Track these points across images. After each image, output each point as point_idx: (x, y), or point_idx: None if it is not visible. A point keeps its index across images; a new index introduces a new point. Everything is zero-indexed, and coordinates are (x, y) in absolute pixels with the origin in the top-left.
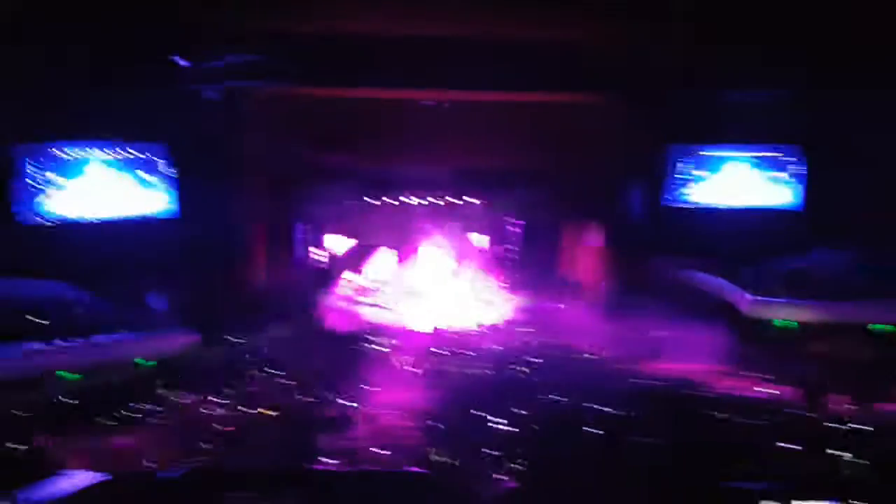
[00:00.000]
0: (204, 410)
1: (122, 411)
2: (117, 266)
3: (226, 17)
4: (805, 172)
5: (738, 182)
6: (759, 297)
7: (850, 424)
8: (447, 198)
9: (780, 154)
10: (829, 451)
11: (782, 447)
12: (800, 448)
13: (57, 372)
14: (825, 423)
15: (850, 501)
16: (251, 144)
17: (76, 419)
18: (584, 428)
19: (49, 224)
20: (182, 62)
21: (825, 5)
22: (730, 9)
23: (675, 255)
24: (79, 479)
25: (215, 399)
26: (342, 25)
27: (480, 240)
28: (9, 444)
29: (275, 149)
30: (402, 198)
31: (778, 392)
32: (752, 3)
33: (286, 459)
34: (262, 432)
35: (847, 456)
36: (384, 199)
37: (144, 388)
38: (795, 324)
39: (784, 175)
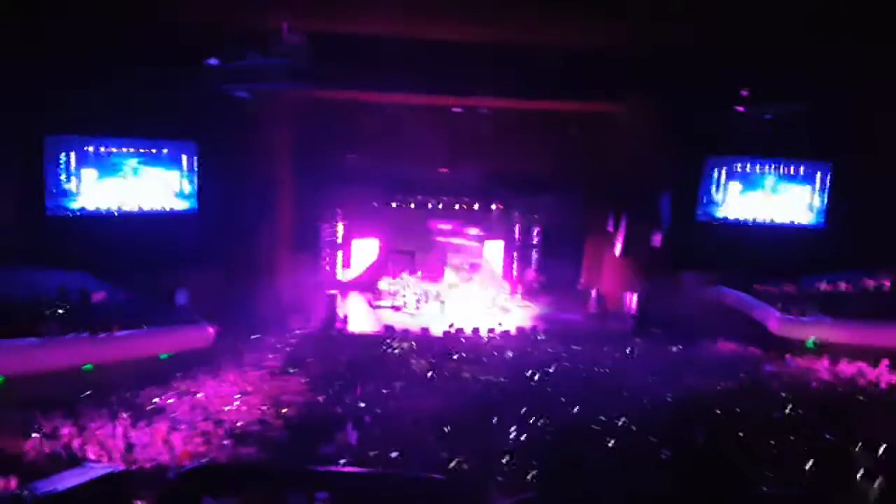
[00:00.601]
0: (220, 406)
1: (141, 404)
2: (141, 259)
3: (255, 20)
4: (836, 189)
5: (768, 197)
6: (788, 316)
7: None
8: (468, 203)
9: (812, 170)
10: (857, 474)
11: (807, 468)
12: (826, 470)
13: (83, 366)
14: (853, 446)
15: None
16: (277, 145)
17: (97, 411)
18: (598, 438)
19: (76, 216)
20: (212, 61)
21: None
22: (759, 17)
23: (703, 269)
24: (93, 470)
25: (232, 395)
26: (364, 27)
27: (499, 246)
28: (33, 436)
29: (301, 150)
30: (423, 202)
31: (803, 412)
32: (782, 11)
33: (300, 458)
34: (277, 430)
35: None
36: (406, 202)
37: (164, 381)
38: (812, 344)
39: (815, 192)
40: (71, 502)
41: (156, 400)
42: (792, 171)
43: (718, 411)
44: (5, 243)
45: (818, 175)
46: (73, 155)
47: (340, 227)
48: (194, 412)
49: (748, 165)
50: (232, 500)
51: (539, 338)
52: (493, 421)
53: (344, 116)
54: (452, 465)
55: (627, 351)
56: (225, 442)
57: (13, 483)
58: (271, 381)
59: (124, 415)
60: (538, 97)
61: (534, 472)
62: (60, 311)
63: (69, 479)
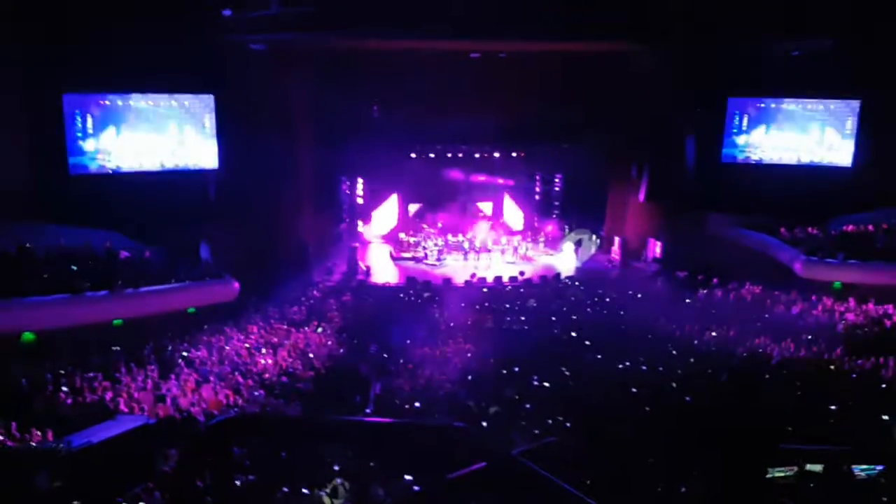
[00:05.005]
0: (247, 358)
1: (171, 357)
2: (164, 215)
3: None
4: (864, 127)
5: (794, 137)
6: (814, 258)
7: None
8: (489, 152)
9: (839, 108)
10: (882, 416)
11: (833, 410)
12: (852, 413)
13: (112, 321)
14: (880, 388)
15: None
16: (296, 97)
17: (127, 365)
18: (622, 385)
19: (99, 174)
20: (227, 12)
21: None
22: None
23: (727, 211)
24: (126, 422)
25: (261, 348)
26: None
27: (522, 194)
28: (64, 390)
29: (320, 102)
30: (443, 152)
31: (830, 356)
32: None
33: (326, 409)
34: (304, 381)
35: None
36: (426, 153)
37: (192, 335)
38: (839, 284)
39: (842, 130)
40: (105, 454)
41: (185, 353)
42: (819, 110)
43: (742, 356)
44: (31, 202)
45: (846, 113)
46: (92, 113)
47: (363, 181)
48: (223, 365)
49: (773, 105)
50: (261, 450)
51: (562, 285)
52: (516, 369)
53: (362, 68)
54: (476, 412)
55: (639, 296)
56: (256, 393)
57: (49, 436)
58: (296, 333)
59: (154, 368)
60: (559, 38)
61: (558, 418)
62: (90, 269)
63: (103, 432)
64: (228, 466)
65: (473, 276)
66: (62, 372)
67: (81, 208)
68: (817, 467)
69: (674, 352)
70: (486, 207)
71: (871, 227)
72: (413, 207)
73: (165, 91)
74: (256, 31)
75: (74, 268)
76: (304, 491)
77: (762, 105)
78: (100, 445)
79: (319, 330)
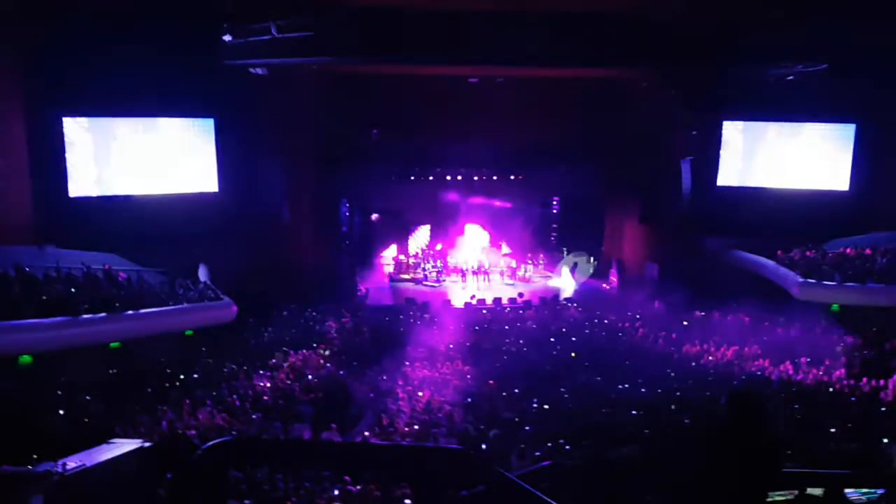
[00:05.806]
0: (247, 381)
1: (169, 380)
2: (164, 239)
3: None
4: (860, 151)
5: (789, 161)
6: (810, 280)
7: None
8: (487, 175)
9: (835, 132)
10: (883, 439)
11: (833, 433)
12: (851, 434)
13: (110, 344)
14: (880, 410)
15: None
16: (296, 121)
17: (126, 388)
18: (621, 407)
19: (99, 198)
20: (227, 38)
21: None
22: None
23: (723, 234)
24: (121, 445)
25: (258, 370)
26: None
27: (520, 217)
28: (60, 413)
29: (320, 126)
30: (442, 175)
31: (828, 378)
32: None
33: (324, 431)
34: (302, 404)
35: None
36: (426, 176)
37: (190, 357)
38: (837, 307)
39: (838, 154)
40: (100, 477)
41: (182, 376)
42: (815, 134)
43: (741, 377)
44: (31, 224)
45: (842, 137)
46: (92, 135)
47: (362, 204)
48: (220, 387)
49: (768, 129)
50: (258, 473)
51: (560, 307)
52: (516, 390)
53: (361, 92)
54: (474, 435)
55: (637, 318)
56: (253, 416)
57: (43, 460)
58: (294, 355)
59: (151, 390)
60: (557, 64)
61: (557, 440)
62: (88, 291)
63: (98, 455)
64: (224, 490)
65: (473, 297)
66: (59, 394)
67: (81, 231)
68: (817, 491)
69: (672, 374)
70: (485, 229)
71: (868, 251)
72: (424, 233)
73: (166, 115)
74: (256, 56)
75: (73, 290)
76: None
77: (759, 130)
78: (95, 468)
79: (321, 352)
